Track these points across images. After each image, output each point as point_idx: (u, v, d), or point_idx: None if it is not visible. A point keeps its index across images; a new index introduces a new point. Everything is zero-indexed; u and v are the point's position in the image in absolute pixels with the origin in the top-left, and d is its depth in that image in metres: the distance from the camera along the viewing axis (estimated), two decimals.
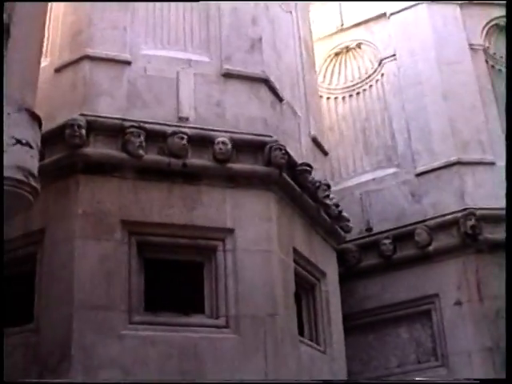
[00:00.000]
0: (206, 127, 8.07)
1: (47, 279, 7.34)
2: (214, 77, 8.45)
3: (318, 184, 8.77)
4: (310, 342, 8.41)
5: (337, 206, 9.20)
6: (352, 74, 12.03)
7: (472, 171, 10.42)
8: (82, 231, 7.32)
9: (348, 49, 12.17)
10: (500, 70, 11.41)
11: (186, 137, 7.76)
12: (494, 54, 11.43)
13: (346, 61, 12.17)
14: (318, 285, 8.94)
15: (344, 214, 9.69)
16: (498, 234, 9.97)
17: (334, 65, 12.21)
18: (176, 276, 7.68)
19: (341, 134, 11.74)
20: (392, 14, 11.78)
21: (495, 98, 11.10)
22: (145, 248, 7.57)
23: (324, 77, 12.12)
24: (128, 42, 8.37)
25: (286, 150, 8.02)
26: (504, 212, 9.60)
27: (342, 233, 9.65)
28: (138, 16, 8.55)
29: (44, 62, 8.45)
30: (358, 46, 12.11)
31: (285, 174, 8.17)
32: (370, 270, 10.55)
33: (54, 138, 7.78)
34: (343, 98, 11.94)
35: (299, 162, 8.70)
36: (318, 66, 12.00)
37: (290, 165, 8.41)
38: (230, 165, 7.92)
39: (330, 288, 9.09)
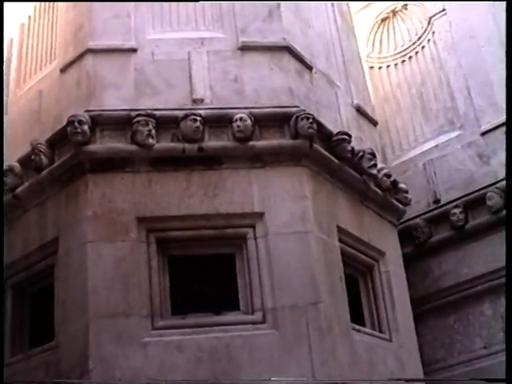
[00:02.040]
0: (223, 106, 7.29)
1: (63, 291, 6.74)
2: (229, 52, 7.74)
3: (361, 154, 7.87)
4: (369, 330, 7.49)
5: (388, 176, 8.25)
6: (402, 38, 11.07)
7: None
8: (93, 234, 6.69)
9: (394, 12, 11.22)
10: None
11: (199, 118, 7.06)
12: None
13: (393, 25, 11.23)
14: (376, 266, 8.01)
15: (401, 185, 8.75)
16: None
17: (382, 32, 11.29)
18: (205, 272, 6.94)
19: (397, 104, 10.78)
20: None
21: None
22: (166, 245, 6.88)
23: (373, 46, 11.22)
24: (133, 29, 7.79)
25: (314, 118, 7.19)
26: None
27: (400, 206, 8.67)
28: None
29: (52, 65, 8.03)
30: (405, 7, 11.15)
31: (317, 146, 7.33)
32: (443, 244, 9.53)
33: (60, 141, 7.29)
34: (395, 65, 10.99)
35: None
36: (366, 36, 11.28)
37: (326, 136, 7.59)
38: (252, 143, 7.15)
39: (392, 268, 8.13)
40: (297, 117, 7.17)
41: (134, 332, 6.32)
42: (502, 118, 9.49)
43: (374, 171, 7.95)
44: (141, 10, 7.90)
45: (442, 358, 9.39)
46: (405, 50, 10.93)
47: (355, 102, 8.83)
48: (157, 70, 7.52)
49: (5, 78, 8.40)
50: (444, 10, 10.53)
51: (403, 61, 10.90)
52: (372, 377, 6.96)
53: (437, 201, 9.73)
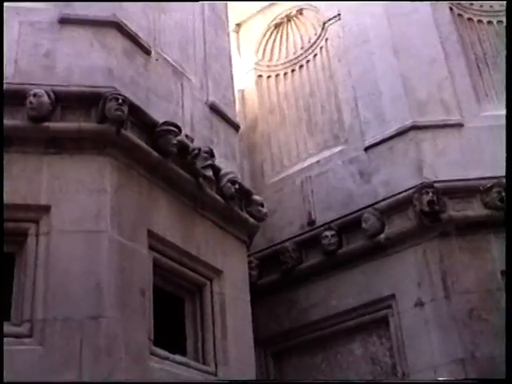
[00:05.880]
0: (25, 82, 6.11)
1: None
2: (45, 24, 6.60)
3: (196, 152, 6.67)
4: (182, 359, 6.22)
5: (233, 182, 7.04)
6: (294, 45, 9.97)
7: (432, 136, 8.16)
8: None
9: (289, 17, 10.14)
10: (470, 18, 9.16)
11: None
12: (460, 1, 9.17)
13: (287, 32, 10.13)
14: (207, 286, 6.76)
15: (255, 196, 7.58)
16: (468, 210, 7.69)
17: (275, 39, 10.19)
18: None
19: (282, 116, 9.63)
20: None
21: (463, 50, 8.82)
22: None
23: (263, 53, 10.10)
24: None
25: (125, 100, 6.02)
26: (476, 182, 7.69)
27: (252, 220, 7.46)
28: None
29: None
30: (300, 12, 10.07)
31: (129, 134, 6.14)
32: (312, 271, 8.30)
33: None
34: (285, 74, 9.86)
35: (182, 128, 6.69)
36: (257, 42, 10.06)
37: (149, 125, 6.41)
38: (47, 124, 5.94)
39: (230, 290, 6.91)
40: (105, 98, 5.98)
41: None
42: (389, 131, 8.41)
43: (209, 173, 6.75)
44: None
45: None
46: (296, 58, 9.83)
47: (210, 99, 7.64)
48: None
49: None
50: (339, 14, 9.45)
51: (293, 70, 9.79)
52: None
53: (311, 222, 8.52)
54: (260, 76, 9.90)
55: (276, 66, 9.93)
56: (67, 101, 6.11)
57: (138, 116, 6.29)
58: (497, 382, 6.26)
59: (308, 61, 9.66)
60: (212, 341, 6.58)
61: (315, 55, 9.61)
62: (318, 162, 8.89)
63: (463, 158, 8.02)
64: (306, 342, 8.23)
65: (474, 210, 7.75)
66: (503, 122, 8.16)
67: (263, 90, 9.80)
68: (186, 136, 6.88)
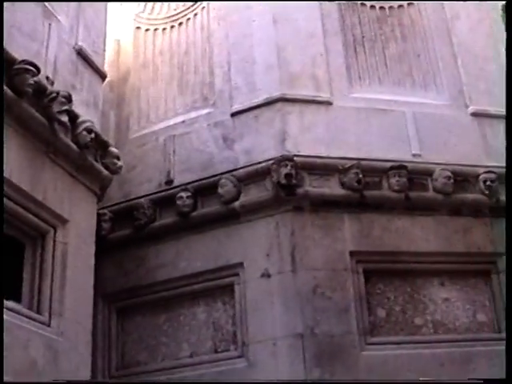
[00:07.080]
0: None
1: None
2: None
3: (53, 95, 6.44)
4: (15, 306, 6.03)
5: (89, 131, 6.86)
6: (176, 1, 9.72)
7: (299, 110, 8.18)
8: None
9: None
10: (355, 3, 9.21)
11: None
12: None
13: None
14: (51, 233, 6.59)
15: (112, 148, 7.44)
16: (325, 188, 7.77)
17: None
18: None
19: (155, 72, 9.43)
20: None
21: (342, 29, 8.87)
22: None
23: (145, 5, 9.82)
24: None
25: None
26: (336, 161, 7.76)
27: (105, 172, 7.31)
28: None
29: None
30: None
31: None
32: (165, 231, 8.19)
33: None
34: (164, 29, 9.64)
35: (43, 70, 6.43)
36: None
37: (7, 62, 6.12)
38: None
39: (74, 240, 6.77)
40: None
41: None
42: (257, 100, 8.39)
43: (65, 118, 6.55)
44: None
45: (143, 361, 8.05)
46: (177, 14, 9.61)
47: (79, 44, 7.41)
48: None
49: None
50: None
51: (172, 26, 9.58)
52: None
53: (169, 182, 8.42)
54: (138, 28, 9.67)
55: (156, 19, 9.71)
56: None
57: None
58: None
59: (188, 19, 9.48)
60: (49, 290, 6.43)
61: (196, 14, 9.44)
62: (183, 121, 8.77)
63: (327, 136, 8.08)
64: (150, 301, 8.14)
65: (331, 188, 7.83)
66: (372, 105, 8.37)
67: (140, 43, 9.58)
68: (47, 78, 6.67)
